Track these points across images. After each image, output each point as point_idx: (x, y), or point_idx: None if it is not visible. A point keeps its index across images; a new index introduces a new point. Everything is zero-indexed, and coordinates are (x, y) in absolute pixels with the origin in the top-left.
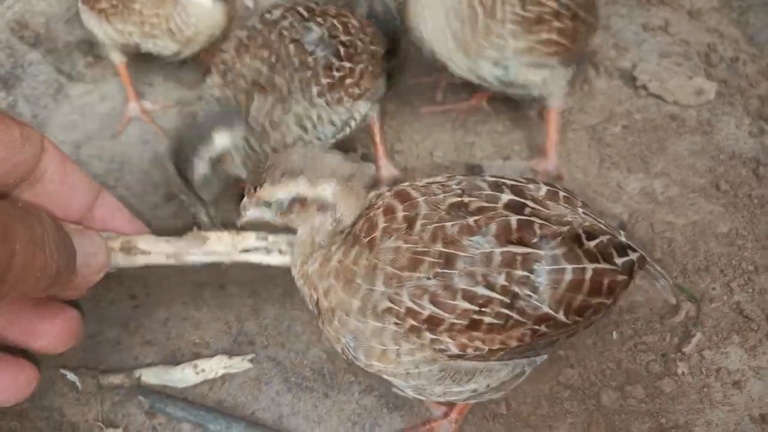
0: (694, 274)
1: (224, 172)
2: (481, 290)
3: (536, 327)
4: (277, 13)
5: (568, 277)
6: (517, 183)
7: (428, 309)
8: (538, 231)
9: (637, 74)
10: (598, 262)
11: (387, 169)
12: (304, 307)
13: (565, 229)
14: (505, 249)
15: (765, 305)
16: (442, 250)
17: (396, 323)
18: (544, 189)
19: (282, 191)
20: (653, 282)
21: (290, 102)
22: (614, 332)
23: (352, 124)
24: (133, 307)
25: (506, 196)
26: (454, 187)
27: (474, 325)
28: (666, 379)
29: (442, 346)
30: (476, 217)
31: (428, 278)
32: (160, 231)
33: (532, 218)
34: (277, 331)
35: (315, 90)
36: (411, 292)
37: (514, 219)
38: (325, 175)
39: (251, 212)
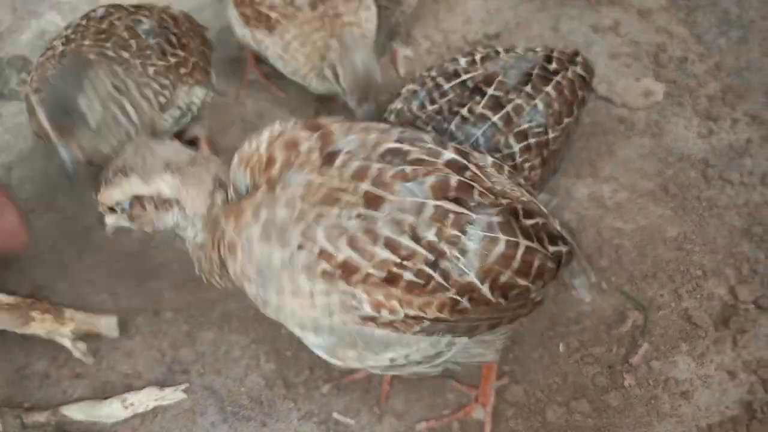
0: (642, 281)
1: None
2: (406, 241)
3: (458, 297)
4: (101, 11)
5: (500, 248)
6: (462, 148)
7: (344, 252)
8: (476, 197)
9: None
10: (532, 241)
11: None
12: (243, 330)
13: (504, 201)
14: (439, 203)
15: (713, 311)
16: (369, 189)
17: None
18: (489, 160)
19: (117, 192)
20: (572, 279)
21: (140, 74)
22: (560, 344)
23: (194, 108)
24: None
25: (449, 155)
26: (395, 134)
27: (392, 279)
28: (613, 392)
29: (355, 302)
30: (414, 167)
31: (348, 218)
32: (96, 252)
33: (473, 183)
34: (213, 357)
35: (151, 70)
36: (327, 232)
37: (454, 178)
38: (159, 168)
39: (108, 222)
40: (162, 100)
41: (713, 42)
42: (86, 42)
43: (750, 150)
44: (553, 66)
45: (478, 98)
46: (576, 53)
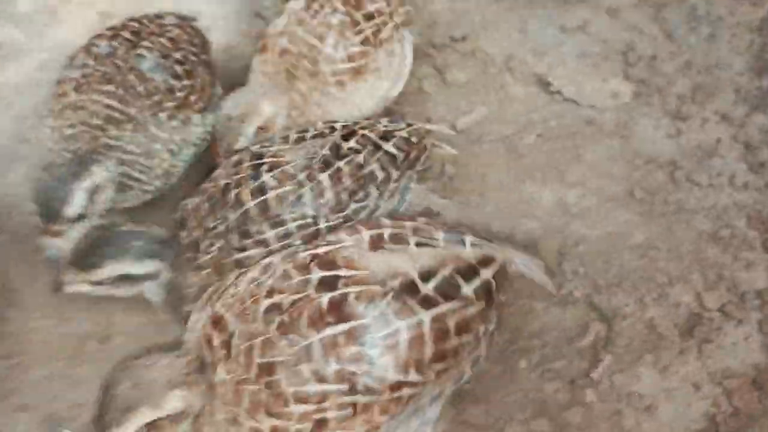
0: (607, 290)
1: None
2: (313, 387)
3: (396, 395)
4: (104, 46)
5: (403, 337)
6: (329, 248)
7: (266, 423)
8: (354, 301)
9: (552, 79)
10: (437, 306)
11: None
12: None
13: (394, 284)
14: (322, 335)
15: (678, 319)
16: (261, 362)
17: None
18: (366, 237)
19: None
20: (530, 274)
21: (150, 129)
22: (521, 360)
23: (208, 137)
24: (7, 368)
25: (316, 276)
26: (268, 283)
27: (321, 425)
28: (574, 409)
29: None
30: (290, 313)
31: (258, 393)
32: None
33: (348, 289)
34: None
35: (163, 116)
36: (248, 412)
37: (325, 300)
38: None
39: None
40: (174, 147)
41: (683, 39)
42: (93, 96)
43: (719, 150)
44: (350, 145)
45: (251, 182)
46: (409, 125)
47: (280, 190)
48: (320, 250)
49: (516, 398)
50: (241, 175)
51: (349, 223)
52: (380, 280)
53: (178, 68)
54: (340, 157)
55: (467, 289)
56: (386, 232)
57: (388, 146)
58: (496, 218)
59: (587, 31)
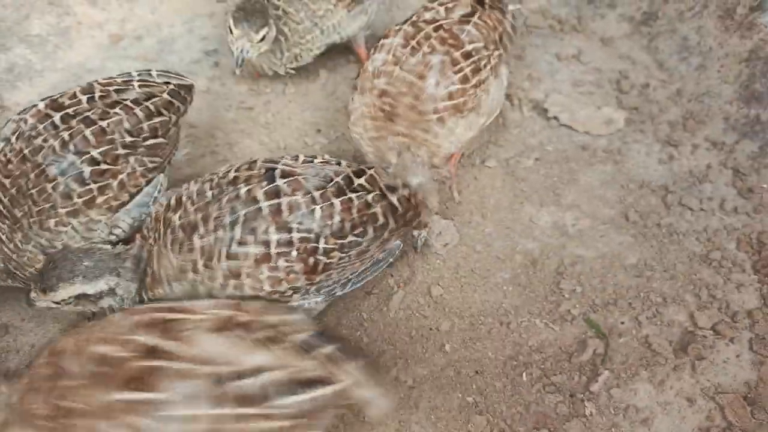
0: (603, 308)
1: None
2: None
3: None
4: (31, 122)
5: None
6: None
7: None
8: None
9: (548, 105)
10: (246, 407)
11: None
12: None
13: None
14: (120, 397)
15: (672, 337)
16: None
17: None
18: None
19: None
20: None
21: (31, 234)
22: (523, 374)
23: (118, 232)
24: None
25: (144, 340)
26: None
27: None
28: (574, 421)
29: None
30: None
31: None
32: None
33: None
34: None
35: (52, 222)
36: None
37: (136, 365)
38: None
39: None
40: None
41: (674, 68)
42: None
43: (709, 176)
44: (361, 182)
45: (264, 183)
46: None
47: (292, 199)
48: (165, 315)
49: (518, 410)
50: (252, 173)
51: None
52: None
53: (87, 170)
54: (352, 190)
55: (288, 401)
56: (241, 318)
57: (393, 198)
58: (496, 238)
59: (582, 59)
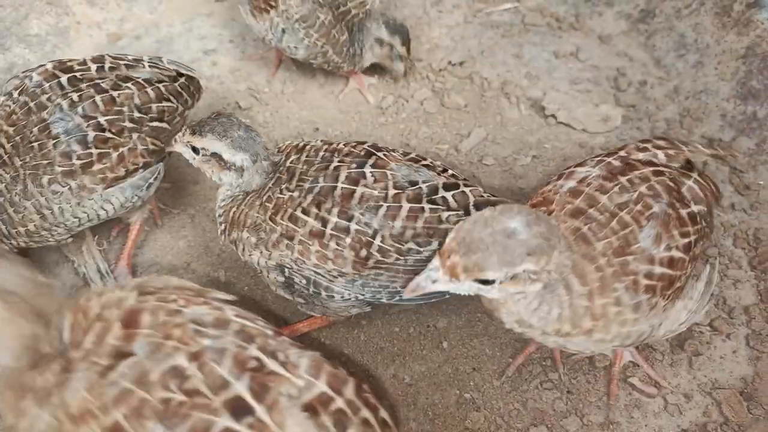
0: None
1: None
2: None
3: None
4: (37, 79)
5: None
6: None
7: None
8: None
9: (546, 103)
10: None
11: (121, 271)
12: None
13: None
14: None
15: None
16: (119, 418)
17: None
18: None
19: None
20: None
21: (28, 186)
22: (523, 371)
23: (109, 208)
24: None
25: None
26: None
27: None
28: (571, 417)
29: None
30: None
31: None
32: None
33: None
34: None
35: (46, 179)
36: None
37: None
38: None
39: None
40: (47, 213)
41: (672, 66)
42: None
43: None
44: (447, 196)
45: (353, 166)
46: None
47: (367, 190)
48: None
49: (516, 407)
50: (352, 152)
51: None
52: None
53: (91, 134)
54: (431, 201)
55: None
56: (338, 403)
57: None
58: None
59: (579, 57)
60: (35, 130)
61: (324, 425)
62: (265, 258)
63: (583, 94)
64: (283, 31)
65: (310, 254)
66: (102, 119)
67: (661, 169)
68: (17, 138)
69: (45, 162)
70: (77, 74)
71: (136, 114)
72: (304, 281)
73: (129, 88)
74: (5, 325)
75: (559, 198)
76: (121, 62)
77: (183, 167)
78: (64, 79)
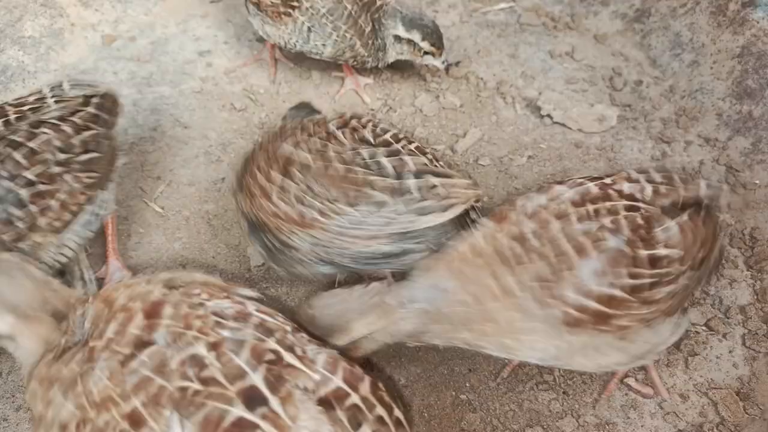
0: None
1: None
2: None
3: None
4: None
5: None
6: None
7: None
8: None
9: (541, 103)
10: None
11: (113, 268)
12: None
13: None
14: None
15: None
16: (137, 406)
17: None
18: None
19: None
20: None
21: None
22: (519, 372)
23: (67, 252)
24: None
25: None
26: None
27: None
28: (567, 418)
29: None
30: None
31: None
32: None
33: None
34: None
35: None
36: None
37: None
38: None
39: None
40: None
41: (667, 65)
42: None
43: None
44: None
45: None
46: None
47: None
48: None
49: (512, 408)
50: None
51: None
52: None
53: (24, 193)
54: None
55: None
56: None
57: (474, 214)
58: None
59: (575, 56)
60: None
61: (338, 420)
62: None
63: (578, 94)
64: (309, 29)
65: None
66: (29, 174)
67: (637, 205)
68: None
69: None
70: None
71: (61, 156)
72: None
73: (44, 132)
74: (26, 338)
75: (514, 215)
76: (25, 108)
77: (177, 168)
78: None
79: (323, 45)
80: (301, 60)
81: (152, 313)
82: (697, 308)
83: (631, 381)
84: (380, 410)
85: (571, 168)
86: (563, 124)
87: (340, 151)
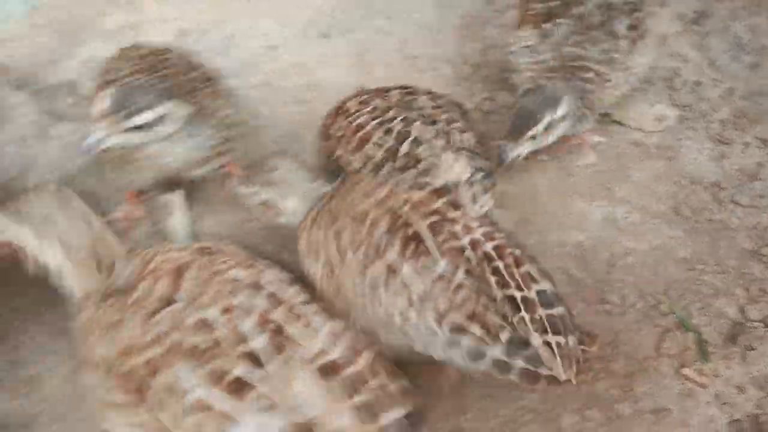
0: (654, 298)
1: None
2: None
3: None
4: None
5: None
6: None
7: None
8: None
9: None
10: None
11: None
12: None
13: None
14: None
15: (722, 328)
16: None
17: None
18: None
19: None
20: None
21: None
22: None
23: None
24: None
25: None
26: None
27: None
28: (625, 403)
29: None
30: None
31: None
32: None
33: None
34: None
35: None
36: None
37: None
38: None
39: None
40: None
41: (726, 67)
42: None
43: (760, 173)
44: None
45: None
46: None
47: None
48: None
49: (569, 390)
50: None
51: None
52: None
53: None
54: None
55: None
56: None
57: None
58: (549, 230)
59: None
60: None
61: (335, 389)
62: None
63: (638, 93)
64: None
65: None
66: None
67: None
68: None
69: None
70: None
71: None
72: None
73: None
74: (69, 279)
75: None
76: None
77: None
78: None
79: None
80: None
81: (178, 275)
82: (755, 305)
83: (687, 371)
84: (378, 381)
85: (630, 166)
86: (623, 124)
87: None
